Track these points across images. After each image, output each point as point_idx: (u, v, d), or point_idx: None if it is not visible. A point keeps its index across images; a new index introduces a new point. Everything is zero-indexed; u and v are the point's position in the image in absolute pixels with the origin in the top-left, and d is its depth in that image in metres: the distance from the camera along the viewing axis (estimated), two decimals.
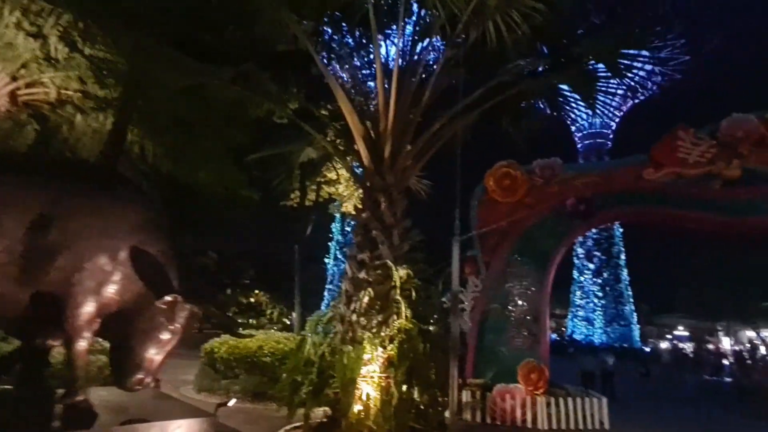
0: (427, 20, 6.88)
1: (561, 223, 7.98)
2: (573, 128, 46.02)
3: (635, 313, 41.54)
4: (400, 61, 6.89)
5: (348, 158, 8.08)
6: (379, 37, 6.78)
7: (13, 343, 5.03)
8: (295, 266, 13.21)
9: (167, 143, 7.06)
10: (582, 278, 43.07)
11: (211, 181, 7.43)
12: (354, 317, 5.64)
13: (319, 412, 5.83)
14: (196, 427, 3.20)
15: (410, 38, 7.26)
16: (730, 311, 29.88)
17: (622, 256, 42.08)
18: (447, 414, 6.45)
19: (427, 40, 7.10)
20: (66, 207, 3.14)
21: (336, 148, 8.85)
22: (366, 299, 5.58)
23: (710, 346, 39.06)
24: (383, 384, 5.27)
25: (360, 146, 6.08)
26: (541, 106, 7.86)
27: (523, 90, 6.90)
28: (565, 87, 7.31)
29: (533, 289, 8.02)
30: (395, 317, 5.63)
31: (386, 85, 6.19)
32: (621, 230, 42.29)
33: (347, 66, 9.23)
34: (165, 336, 3.25)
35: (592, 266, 42.25)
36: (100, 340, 4.30)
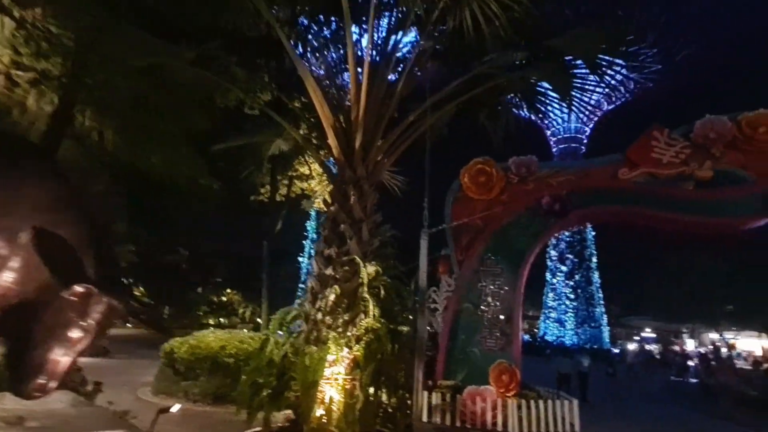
0: (403, 9, 6.64)
1: (536, 222, 7.83)
2: (548, 132, 46.77)
3: (605, 315, 42.40)
4: (372, 50, 6.65)
5: (321, 153, 7.78)
6: (355, 28, 6.53)
7: None
8: (264, 263, 12.79)
9: (123, 126, 6.60)
10: (554, 280, 43.75)
11: (166, 167, 7.00)
12: (319, 316, 5.34)
13: (281, 416, 5.50)
14: None
15: (386, 28, 7.02)
16: (694, 314, 30.75)
17: (594, 259, 42.95)
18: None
19: (403, 30, 6.84)
20: None
21: (308, 141, 8.53)
22: (332, 297, 5.30)
23: (676, 348, 40.22)
24: (348, 386, 4.98)
25: (330, 136, 5.78)
26: (519, 103, 7.69)
27: (500, 84, 6.72)
28: (543, 85, 7.18)
29: (506, 288, 7.85)
30: (362, 316, 5.36)
31: (359, 75, 5.91)
32: (593, 233, 43.18)
33: (322, 58, 8.93)
34: (75, 334, 2.80)
35: (564, 268, 42.98)
36: None
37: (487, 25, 6.02)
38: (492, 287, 8.07)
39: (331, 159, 7.04)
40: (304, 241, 30.65)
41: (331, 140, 5.76)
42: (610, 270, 43.13)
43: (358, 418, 4.72)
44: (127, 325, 34.43)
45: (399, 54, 7.40)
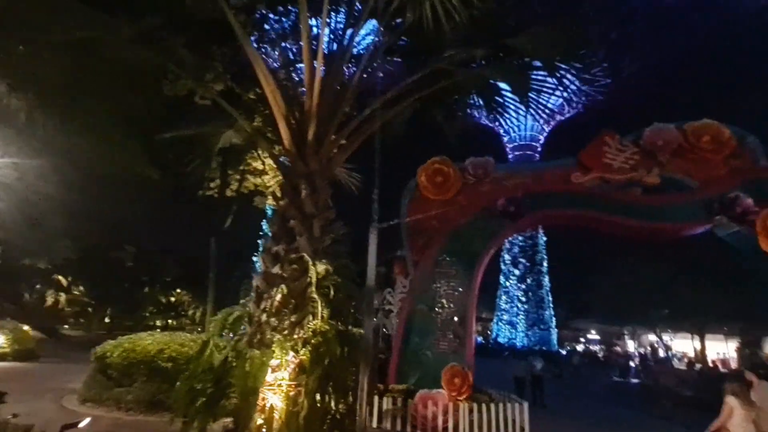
0: None
1: (491, 224, 7.81)
2: (505, 139, 48.03)
3: (554, 318, 43.89)
4: (328, 40, 6.39)
5: (276, 148, 7.40)
6: (314, 21, 6.24)
7: None
8: (211, 261, 12.15)
9: (51, 105, 5.97)
10: (508, 283, 44.89)
11: (97, 151, 6.41)
12: (264, 317, 4.99)
13: (219, 426, 5.09)
14: None
15: (344, 19, 6.77)
16: (634, 316, 32.26)
17: (545, 264, 44.41)
18: (369, 422, 6.00)
19: (360, 21, 6.60)
20: None
21: (260, 133, 8.11)
22: (279, 297, 4.96)
23: (618, 349, 42.20)
24: (292, 393, 4.66)
25: (281, 127, 5.45)
26: (477, 103, 7.63)
27: (458, 82, 6.61)
28: (502, 87, 7.15)
29: (461, 290, 7.77)
30: (311, 318, 5.05)
31: (314, 64, 5.61)
32: (545, 239, 44.66)
33: (279, 48, 8.56)
34: None
35: (517, 272, 44.18)
36: None
37: (447, 20, 5.89)
38: (446, 289, 8.00)
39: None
40: (259, 240, 29.72)
41: (283, 131, 5.43)
42: (558, 274, 44.79)
43: (303, 426, 4.41)
44: (65, 326, 32.21)
45: (357, 47, 7.19)
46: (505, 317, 44.20)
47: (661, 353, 33.07)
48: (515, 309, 43.50)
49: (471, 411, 6.50)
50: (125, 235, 30.68)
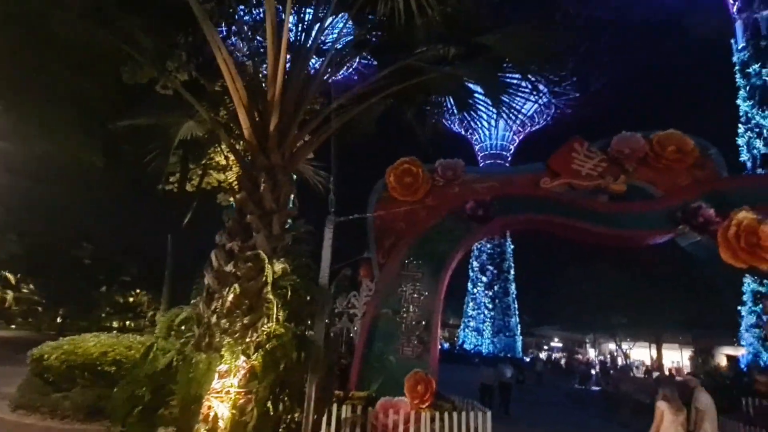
0: None
1: (459, 227, 7.66)
2: (477, 147, 48.60)
3: (519, 325, 44.48)
4: (296, 30, 6.11)
5: (241, 144, 7.03)
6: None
7: None
8: (167, 259, 11.55)
9: None
10: (475, 290, 45.24)
11: (43, 136, 5.90)
12: (214, 319, 4.62)
13: None
14: None
15: (313, 8, 6.50)
16: (595, 324, 33.02)
17: (512, 271, 45.01)
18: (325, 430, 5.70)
19: (328, 10, 6.34)
20: None
21: (219, 123, 7.73)
22: (231, 297, 4.61)
23: (579, 357, 43.11)
24: (242, 401, 4.32)
25: (241, 116, 5.11)
26: (447, 102, 7.48)
27: (430, 81, 6.43)
28: (475, 89, 7.04)
29: (427, 294, 7.58)
30: (266, 320, 4.72)
31: (278, 52, 5.31)
32: (512, 247, 45.30)
33: (245, 38, 8.22)
34: None
35: (485, 279, 44.60)
36: None
37: (420, 15, 5.71)
38: (412, 292, 7.80)
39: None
40: None
41: (243, 121, 5.09)
42: (524, 281, 45.52)
43: None
44: (12, 326, 30.23)
45: (327, 41, 6.94)
46: (472, 324, 44.50)
47: (621, 361, 33.95)
48: (482, 316, 43.87)
49: (433, 419, 6.28)
50: (83, 231, 29.19)
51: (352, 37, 6.24)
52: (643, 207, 7.48)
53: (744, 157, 17.17)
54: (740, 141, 17.59)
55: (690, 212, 7.05)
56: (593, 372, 28.59)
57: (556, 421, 12.85)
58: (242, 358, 4.49)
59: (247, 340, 4.59)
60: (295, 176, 7.44)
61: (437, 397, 6.94)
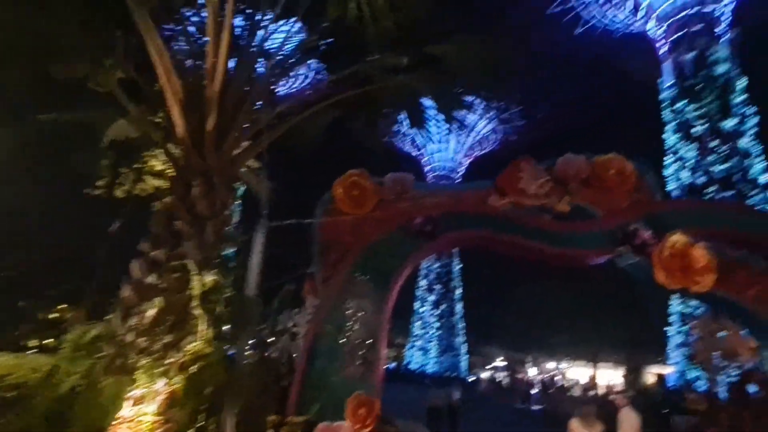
0: None
1: (407, 242, 7.47)
2: (426, 168, 49.46)
3: (465, 344, 44.95)
4: (241, 30, 5.79)
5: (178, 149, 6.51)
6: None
7: None
8: (94, 271, 10.49)
9: None
10: (422, 309, 45.40)
11: None
12: (130, 337, 4.08)
13: None
14: None
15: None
16: (536, 343, 33.98)
17: (458, 291, 45.65)
18: None
19: (279, 18, 6.08)
20: None
21: (155, 125, 7.18)
22: (152, 312, 4.09)
23: (521, 376, 44.05)
24: (159, 430, 3.80)
25: (175, 113, 4.69)
26: (398, 114, 7.38)
27: (381, 90, 6.29)
28: (428, 105, 6.98)
29: (372, 311, 7.27)
30: (191, 338, 4.24)
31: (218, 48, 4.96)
32: (459, 266, 46.06)
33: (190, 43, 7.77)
34: None
35: (432, 298, 44.91)
36: None
37: (373, 22, 5.58)
38: (357, 309, 7.46)
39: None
40: None
41: (177, 118, 4.67)
42: (470, 300, 46.26)
43: None
44: None
45: (274, 44, 6.65)
46: (419, 343, 44.49)
47: (560, 380, 34.96)
48: (428, 335, 43.97)
49: None
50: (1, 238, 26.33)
51: (300, 41, 5.98)
52: (586, 227, 7.65)
53: (671, 186, 18.49)
54: (667, 172, 18.93)
55: (629, 233, 7.27)
56: (534, 392, 29.16)
57: None
58: (161, 381, 3.98)
59: (168, 361, 4.08)
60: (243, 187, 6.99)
61: (381, 421, 6.60)
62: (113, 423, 3.56)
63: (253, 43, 5.49)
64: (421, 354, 43.28)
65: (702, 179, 17.26)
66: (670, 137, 18.97)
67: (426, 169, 49.63)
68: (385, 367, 8.44)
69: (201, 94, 5.00)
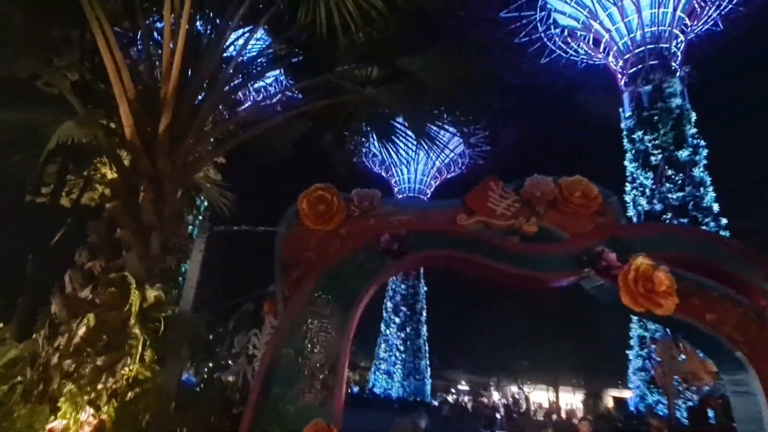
0: None
1: (373, 260, 7.20)
2: (396, 189, 49.63)
3: (429, 368, 44.48)
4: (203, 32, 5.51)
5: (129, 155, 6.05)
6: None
7: None
8: (25, 285, 9.68)
9: None
10: (388, 332, 44.79)
11: None
12: (55, 359, 3.60)
13: None
14: None
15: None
16: (499, 367, 34.04)
17: (424, 313, 45.38)
18: None
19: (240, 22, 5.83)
20: None
21: (111, 131, 6.71)
22: (82, 331, 3.64)
23: (484, 400, 43.87)
24: None
25: (123, 110, 4.32)
26: (368, 130, 7.20)
27: (349, 104, 6.11)
28: (399, 122, 6.84)
29: (335, 333, 6.90)
30: (129, 360, 3.79)
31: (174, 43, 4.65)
32: (425, 288, 45.92)
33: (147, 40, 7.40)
34: None
35: (397, 320, 44.41)
36: None
37: (344, 33, 5.42)
38: (319, 330, 7.06)
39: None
40: None
41: (125, 116, 4.29)
42: (435, 323, 46.05)
43: None
44: None
45: (238, 49, 6.38)
46: (383, 366, 43.71)
47: (522, 404, 34.97)
48: (393, 358, 43.32)
49: None
50: None
51: (263, 47, 5.75)
52: (553, 249, 7.61)
53: (630, 212, 19.12)
54: (627, 198, 19.61)
55: (594, 256, 7.26)
56: (498, 416, 28.98)
57: None
58: (89, 410, 3.50)
59: (99, 386, 3.61)
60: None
61: None
62: None
63: (216, 48, 5.20)
64: (386, 378, 42.47)
65: (659, 206, 18.08)
66: (629, 165, 19.82)
67: (394, 190, 49.79)
68: (347, 391, 8.05)
69: (156, 95, 4.65)
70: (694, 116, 20.29)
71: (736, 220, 18.13)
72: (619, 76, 23.07)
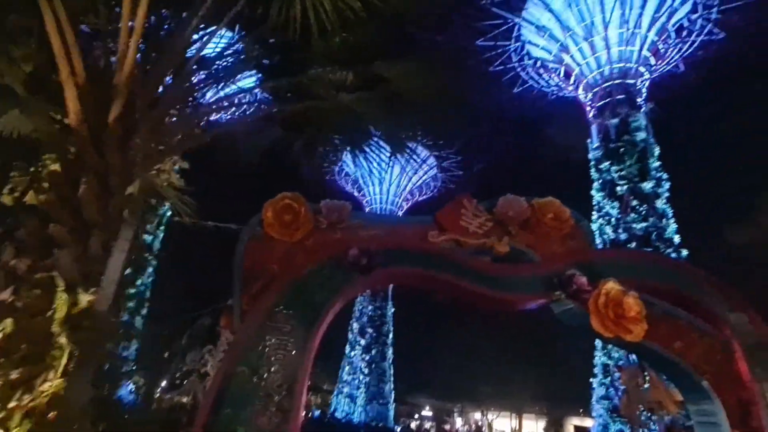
0: None
1: (339, 275, 6.86)
2: (367, 209, 49.45)
3: (393, 392, 43.60)
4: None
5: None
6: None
7: None
8: None
9: None
10: (353, 354, 43.80)
11: None
12: None
13: None
14: None
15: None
16: (462, 393, 33.71)
17: (390, 335, 44.71)
18: None
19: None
20: None
21: (62, 124, 6.22)
22: None
23: (448, 427, 43.24)
24: None
25: (68, 91, 3.91)
26: (339, 141, 6.95)
27: (322, 110, 5.85)
28: (373, 133, 6.62)
29: (295, 351, 6.48)
30: (52, 374, 3.32)
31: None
32: (393, 310, 45.37)
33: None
34: None
35: (363, 342, 43.51)
36: None
37: (320, 34, 5.20)
38: (277, 348, 6.61)
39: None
40: None
41: (70, 98, 3.88)
42: (401, 346, 45.40)
43: None
44: None
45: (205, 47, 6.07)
46: (346, 389, 42.57)
47: (486, 430, 34.60)
48: (357, 381, 42.28)
49: None
50: None
51: (227, 44, 5.46)
52: (524, 271, 7.47)
53: (597, 240, 19.48)
54: (594, 226, 20.03)
55: (565, 279, 7.15)
56: None
57: None
58: None
59: (12, 404, 3.11)
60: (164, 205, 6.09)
61: None
62: None
63: (179, 40, 4.88)
64: (348, 401, 41.29)
65: (624, 235, 18.65)
66: (596, 194, 20.35)
67: (366, 209, 49.59)
68: (308, 415, 7.57)
69: (110, 83, 4.28)
70: (657, 150, 21.32)
71: (696, 252, 18.86)
72: (588, 108, 24.05)
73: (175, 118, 5.09)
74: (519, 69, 30.67)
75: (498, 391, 30.26)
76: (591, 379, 17.34)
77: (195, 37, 4.84)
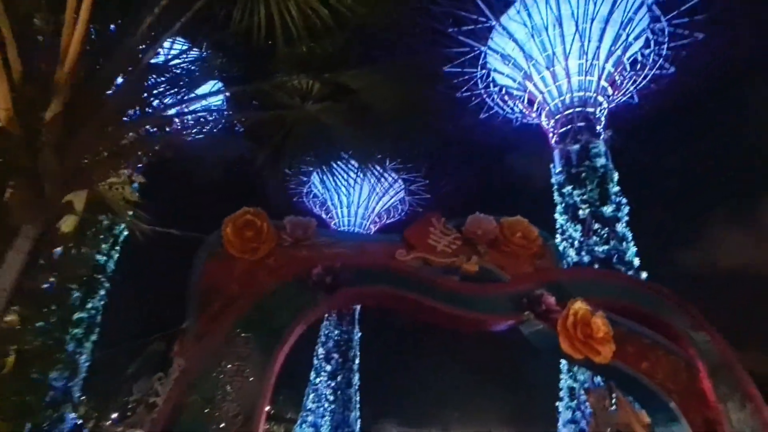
0: None
1: (303, 295, 6.52)
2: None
3: (359, 420, 42.36)
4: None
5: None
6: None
7: None
8: None
9: None
10: (318, 380, 42.45)
11: None
12: None
13: None
14: None
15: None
16: (431, 419, 33.11)
17: (357, 361, 43.69)
18: None
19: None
20: None
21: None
22: None
23: None
24: None
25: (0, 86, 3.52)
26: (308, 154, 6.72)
27: (287, 120, 5.62)
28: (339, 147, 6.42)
29: (252, 378, 6.05)
30: None
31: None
32: (360, 334, 44.50)
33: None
34: None
35: (329, 368, 42.30)
36: None
37: (285, 41, 5.02)
38: (234, 374, 6.12)
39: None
40: None
41: (1, 93, 3.48)
42: (367, 372, 44.41)
43: None
44: None
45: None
46: (311, 418, 40.99)
47: None
48: (321, 409, 40.83)
49: None
50: None
51: (184, 49, 5.19)
52: (493, 290, 7.34)
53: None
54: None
55: (534, 299, 7.06)
56: None
57: None
58: None
59: None
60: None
61: None
62: None
63: (130, 41, 4.57)
64: (312, 431, 39.72)
65: (586, 258, 19.11)
66: (559, 217, 20.84)
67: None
68: None
69: (50, 80, 3.91)
70: (616, 176, 22.28)
71: (654, 275, 19.56)
72: (551, 134, 24.92)
73: (126, 119, 4.72)
74: (485, 95, 31.66)
75: (465, 415, 29.92)
76: (557, 403, 17.29)
77: (150, 36, 4.54)
